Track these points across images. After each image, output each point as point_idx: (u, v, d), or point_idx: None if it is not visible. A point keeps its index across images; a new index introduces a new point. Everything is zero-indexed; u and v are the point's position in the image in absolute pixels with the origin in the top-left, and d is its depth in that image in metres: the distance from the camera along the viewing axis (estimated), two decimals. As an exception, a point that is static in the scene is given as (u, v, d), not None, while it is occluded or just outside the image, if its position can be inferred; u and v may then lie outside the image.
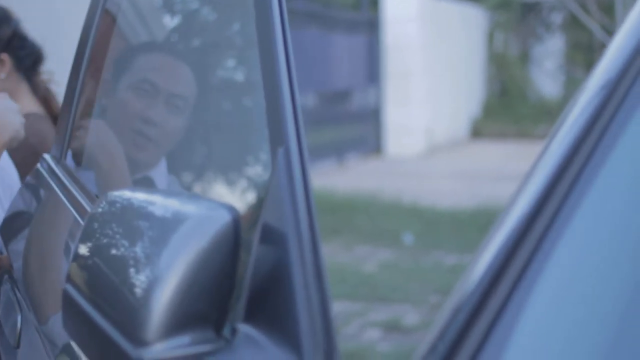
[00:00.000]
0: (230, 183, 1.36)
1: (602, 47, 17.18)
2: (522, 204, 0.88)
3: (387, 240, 7.78)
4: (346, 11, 16.64)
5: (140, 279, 1.06)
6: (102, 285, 1.14)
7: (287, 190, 1.02)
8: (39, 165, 2.00)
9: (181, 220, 1.05)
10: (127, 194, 1.19)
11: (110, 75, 1.87)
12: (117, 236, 1.14)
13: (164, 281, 1.02)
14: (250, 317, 1.03)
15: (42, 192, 1.94)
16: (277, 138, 1.09)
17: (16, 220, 1.99)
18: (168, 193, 1.19)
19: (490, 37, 18.86)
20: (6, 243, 1.98)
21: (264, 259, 1.03)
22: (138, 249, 1.08)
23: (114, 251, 1.13)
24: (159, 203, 1.12)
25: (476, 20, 18.20)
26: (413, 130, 15.04)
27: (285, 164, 1.05)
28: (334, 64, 13.96)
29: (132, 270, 1.08)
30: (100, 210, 1.21)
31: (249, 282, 1.04)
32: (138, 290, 1.05)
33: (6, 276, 1.92)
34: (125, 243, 1.12)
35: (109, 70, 1.87)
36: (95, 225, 1.20)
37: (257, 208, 1.14)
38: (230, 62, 1.47)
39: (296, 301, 0.95)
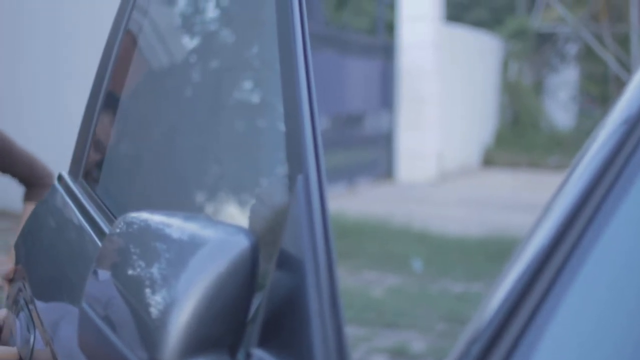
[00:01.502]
0: (248, 208, 1.36)
1: (617, 79, 17.24)
2: (542, 235, 0.88)
3: (395, 266, 7.77)
4: (362, 36, 16.69)
5: (157, 301, 1.06)
6: (119, 306, 1.15)
7: (305, 217, 1.03)
8: (56, 182, 2.00)
9: (200, 244, 1.06)
10: (145, 215, 1.20)
11: (130, 96, 1.87)
12: (135, 257, 1.15)
13: (181, 304, 1.02)
14: (265, 342, 1.03)
15: (58, 209, 1.94)
16: (296, 165, 1.10)
17: (31, 237, 1.99)
18: (186, 216, 1.19)
19: (505, 66, 18.88)
20: (21, 259, 1.98)
21: (280, 285, 1.04)
22: (155, 271, 1.09)
23: (131, 272, 1.14)
24: (178, 226, 1.12)
25: (491, 48, 18.23)
26: (425, 156, 15.05)
27: (304, 191, 1.05)
28: (348, 88, 13.99)
29: (149, 291, 1.08)
30: (118, 231, 1.21)
31: (264, 307, 1.04)
32: (155, 312, 1.05)
33: (21, 284, 1.92)
34: (143, 264, 1.12)
35: (129, 91, 1.87)
36: (113, 245, 1.21)
37: (274, 234, 1.14)
38: (250, 87, 1.47)
39: (311, 327, 0.95)
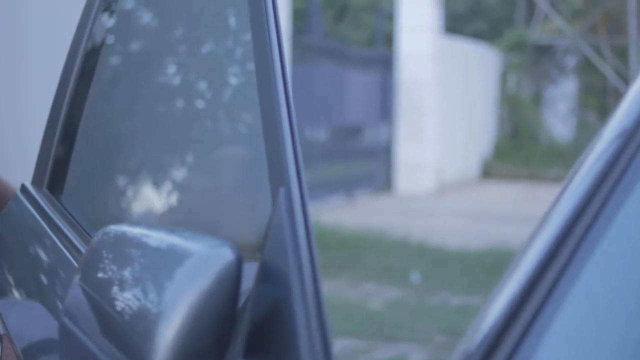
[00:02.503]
0: (229, 221, 1.36)
1: (615, 91, 17.28)
2: (538, 246, 0.88)
3: (394, 278, 7.77)
4: (361, 48, 16.73)
5: (143, 315, 1.05)
6: (102, 320, 1.14)
7: (288, 229, 1.02)
8: (18, 192, 1.96)
9: (185, 257, 1.05)
10: (126, 228, 1.19)
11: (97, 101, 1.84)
12: (117, 271, 1.14)
13: (168, 317, 1.01)
14: (250, 353, 1.03)
15: (22, 221, 1.91)
16: (278, 178, 1.09)
17: None
18: (169, 229, 1.18)
19: (504, 78, 18.92)
20: None
21: (263, 296, 1.03)
22: (140, 285, 1.08)
23: (114, 286, 1.13)
24: (161, 239, 1.12)
25: (490, 60, 18.27)
26: (424, 168, 15.06)
27: (287, 203, 1.05)
28: (347, 100, 14.01)
29: (134, 305, 1.07)
30: (98, 243, 1.20)
31: (248, 318, 1.04)
32: (141, 326, 1.05)
33: None
34: (126, 278, 1.11)
35: (95, 97, 1.84)
36: (94, 259, 1.19)
37: (257, 246, 1.14)
38: (229, 99, 1.46)
39: (298, 338, 0.95)
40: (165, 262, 1.07)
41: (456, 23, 20.80)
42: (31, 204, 1.86)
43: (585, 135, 18.10)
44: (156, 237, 1.12)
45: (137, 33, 1.81)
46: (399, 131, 15.12)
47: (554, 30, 19.42)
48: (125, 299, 1.09)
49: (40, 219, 1.79)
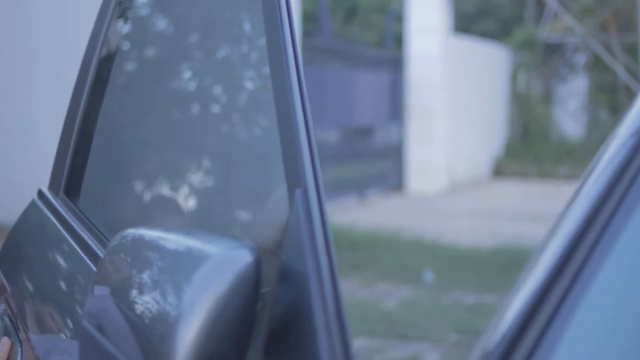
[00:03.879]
0: (247, 223, 1.36)
1: (626, 88, 17.15)
2: (555, 246, 0.88)
3: (407, 278, 7.76)
4: (370, 48, 16.70)
5: (162, 318, 1.06)
6: (122, 324, 1.14)
7: (306, 230, 1.03)
8: (36, 198, 1.96)
9: (203, 259, 1.05)
10: (143, 231, 1.19)
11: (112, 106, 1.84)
12: (136, 274, 1.14)
13: (188, 320, 1.02)
14: (270, 355, 1.03)
15: (39, 226, 1.90)
16: (294, 179, 1.10)
17: (13, 254, 1.94)
18: (187, 232, 1.18)
19: (514, 77, 18.87)
20: (4, 277, 1.92)
21: (282, 298, 1.04)
22: (159, 288, 1.09)
23: (133, 290, 1.13)
24: (178, 241, 1.12)
25: (500, 59, 18.22)
26: (435, 167, 15.04)
27: (304, 204, 1.05)
28: (358, 101, 14.00)
29: (153, 309, 1.08)
30: (116, 247, 1.21)
31: (268, 320, 1.04)
32: (160, 329, 1.05)
33: (4, 316, 1.85)
34: (145, 281, 1.12)
35: (111, 102, 1.84)
36: (113, 262, 1.20)
37: (275, 248, 1.14)
38: (245, 103, 1.46)
39: (317, 339, 0.95)
40: (184, 264, 1.07)
41: (465, 23, 20.75)
42: (48, 208, 1.87)
43: (596, 132, 18.05)
44: (174, 240, 1.13)
45: (152, 38, 1.82)
46: (410, 131, 15.10)
47: (564, 28, 19.35)
48: (145, 302, 1.10)
49: (57, 224, 1.79)
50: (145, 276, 1.12)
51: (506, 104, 18.66)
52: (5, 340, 1.73)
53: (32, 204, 1.95)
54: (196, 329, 1.02)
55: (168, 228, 1.24)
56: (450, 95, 15.30)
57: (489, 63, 17.46)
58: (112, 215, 1.79)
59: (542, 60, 19.14)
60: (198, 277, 1.04)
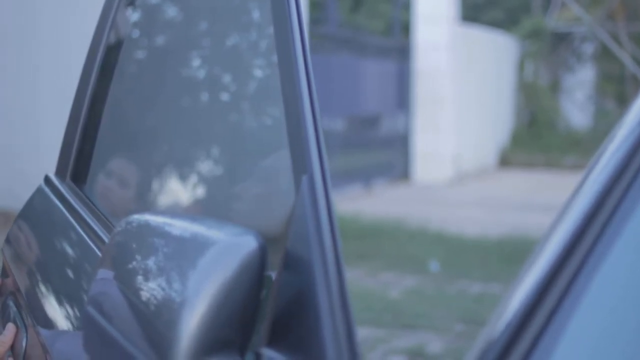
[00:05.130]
0: (253, 209, 1.36)
1: (634, 78, 17.11)
2: (559, 236, 0.88)
3: (412, 267, 7.77)
4: (377, 37, 16.68)
5: (166, 304, 1.06)
6: (126, 309, 1.15)
7: (311, 217, 1.03)
8: (42, 184, 1.96)
9: (208, 245, 1.06)
10: (148, 217, 1.20)
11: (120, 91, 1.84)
12: (141, 259, 1.14)
13: (192, 305, 1.02)
14: (274, 341, 1.04)
15: (46, 211, 1.91)
16: (300, 165, 1.10)
17: (20, 240, 1.94)
18: (192, 218, 1.19)
19: (521, 66, 18.84)
20: (10, 263, 1.93)
21: (287, 284, 1.04)
22: (163, 273, 1.09)
23: (138, 275, 1.14)
24: (183, 227, 1.12)
25: (507, 49, 18.20)
26: (441, 157, 15.03)
27: (309, 191, 1.05)
28: (364, 90, 13.99)
29: (158, 294, 1.08)
30: (121, 233, 1.21)
31: (272, 306, 1.04)
32: (165, 314, 1.06)
33: (10, 302, 1.85)
34: (150, 267, 1.12)
35: (118, 88, 1.85)
36: (117, 248, 1.21)
37: (280, 235, 1.14)
38: (252, 88, 1.46)
39: (322, 326, 0.96)
40: (189, 250, 1.07)
41: (473, 11, 20.72)
42: (55, 194, 1.87)
43: (603, 122, 18.02)
44: (179, 226, 1.13)
45: (159, 26, 1.82)
46: (416, 120, 15.09)
47: (572, 17, 19.32)
48: (150, 288, 1.10)
49: (64, 209, 1.79)
50: (150, 262, 1.12)
51: (513, 94, 18.64)
52: (11, 326, 1.74)
53: (39, 189, 1.95)
54: (200, 315, 1.02)
55: (174, 214, 1.24)
56: (457, 85, 15.28)
57: (496, 52, 17.43)
58: (117, 202, 1.79)
59: (549, 49, 19.10)
60: (202, 263, 1.04)
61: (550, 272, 0.85)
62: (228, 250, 1.04)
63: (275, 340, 1.03)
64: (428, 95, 14.93)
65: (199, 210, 1.49)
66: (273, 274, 1.09)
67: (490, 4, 22.39)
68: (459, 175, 15.28)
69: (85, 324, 1.26)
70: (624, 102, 18.23)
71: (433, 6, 14.76)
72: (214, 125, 1.52)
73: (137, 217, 1.20)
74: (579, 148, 17.37)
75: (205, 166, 1.53)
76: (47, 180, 1.95)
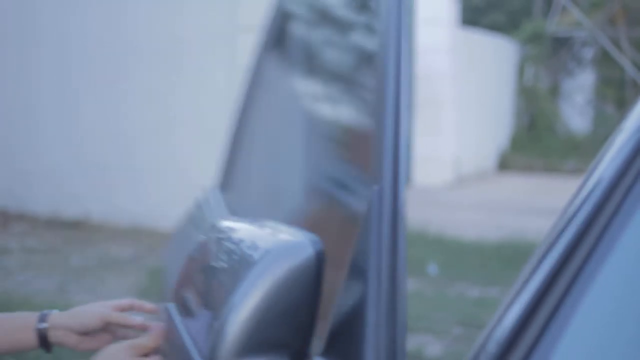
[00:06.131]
0: (324, 216, 1.36)
1: (633, 83, 17.12)
2: (558, 240, 0.88)
3: (411, 270, 7.76)
4: (378, 39, 16.64)
5: (223, 306, 1.11)
6: (196, 309, 1.22)
7: (375, 230, 1.04)
8: (199, 195, 2.00)
9: (264, 249, 1.10)
10: (225, 221, 1.27)
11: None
12: (212, 261, 1.21)
13: (239, 306, 1.06)
14: (328, 351, 1.06)
15: (199, 219, 1.91)
16: (375, 176, 1.11)
17: (177, 251, 1.90)
18: (260, 222, 1.23)
19: (521, 70, 18.83)
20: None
21: (348, 295, 1.06)
22: (226, 274, 1.15)
23: (208, 275, 1.21)
24: (249, 231, 1.18)
25: (507, 52, 18.19)
26: (441, 160, 15.03)
27: (378, 202, 1.06)
28: (364, 92, 13.96)
29: (218, 294, 1.14)
30: (204, 236, 1.29)
31: (332, 316, 1.06)
32: (219, 314, 1.10)
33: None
34: (218, 267, 1.18)
35: (257, 109, 1.88)
36: (200, 250, 1.29)
37: (348, 243, 1.15)
38: (348, 101, 1.46)
39: (377, 344, 0.97)
40: (248, 253, 1.12)
41: (473, 15, 20.71)
42: (210, 203, 1.92)
43: (602, 127, 18.01)
44: (244, 230, 1.18)
45: (298, 48, 1.81)
46: (416, 123, 15.09)
47: (572, 22, 19.32)
48: (213, 289, 1.17)
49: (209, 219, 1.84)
50: (219, 263, 1.18)
51: (513, 98, 18.63)
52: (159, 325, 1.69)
53: (197, 200, 1.99)
54: (246, 315, 1.06)
55: (243, 219, 1.29)
56: (457, 88, 15.28)
57: (496, 56, 17.43)
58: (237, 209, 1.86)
59: (549, 53, 19.10)
60: (256, 266, 1.08)
61: (550, 275, 0.85)
62: (280, 254, 1.08)
63: (329, 350, 1.05)
64: (428, 98, 14.92)
65: (286, 218, 1.51)
66: (337, 282, 1.10)
67: (491, 7, 22.38)
68: (459, 178, 15.27)
69: (165, 320, 1.34)
70: (623, 107, 18.23)
71: (433, 9, 14.75)
72: (305, 137, 1.55)
73: (217, 221, 1.28)
74: (578, 152, 17.36)
75: (290, 172, 1.57)
76: (205, 190, 1.98)
